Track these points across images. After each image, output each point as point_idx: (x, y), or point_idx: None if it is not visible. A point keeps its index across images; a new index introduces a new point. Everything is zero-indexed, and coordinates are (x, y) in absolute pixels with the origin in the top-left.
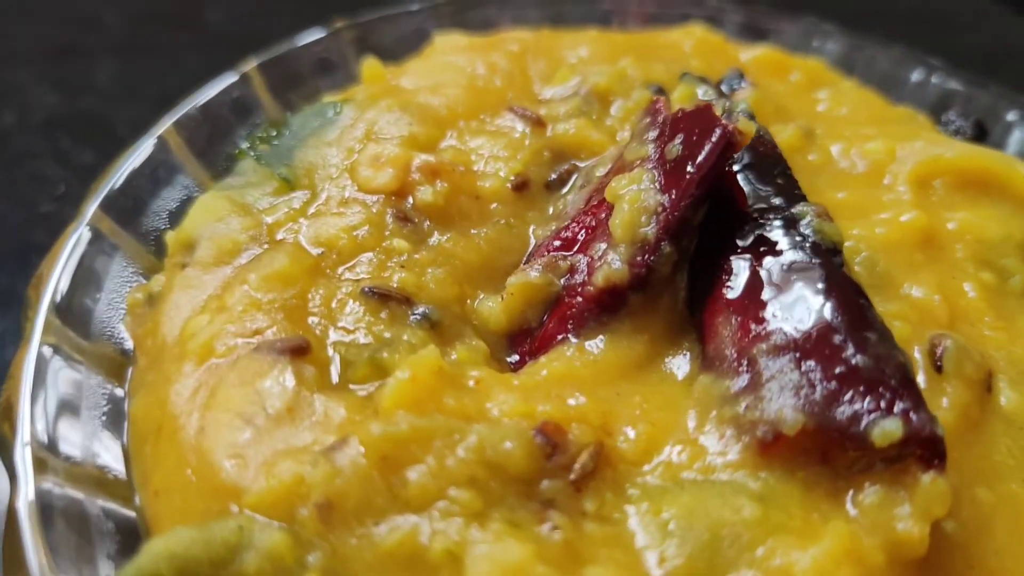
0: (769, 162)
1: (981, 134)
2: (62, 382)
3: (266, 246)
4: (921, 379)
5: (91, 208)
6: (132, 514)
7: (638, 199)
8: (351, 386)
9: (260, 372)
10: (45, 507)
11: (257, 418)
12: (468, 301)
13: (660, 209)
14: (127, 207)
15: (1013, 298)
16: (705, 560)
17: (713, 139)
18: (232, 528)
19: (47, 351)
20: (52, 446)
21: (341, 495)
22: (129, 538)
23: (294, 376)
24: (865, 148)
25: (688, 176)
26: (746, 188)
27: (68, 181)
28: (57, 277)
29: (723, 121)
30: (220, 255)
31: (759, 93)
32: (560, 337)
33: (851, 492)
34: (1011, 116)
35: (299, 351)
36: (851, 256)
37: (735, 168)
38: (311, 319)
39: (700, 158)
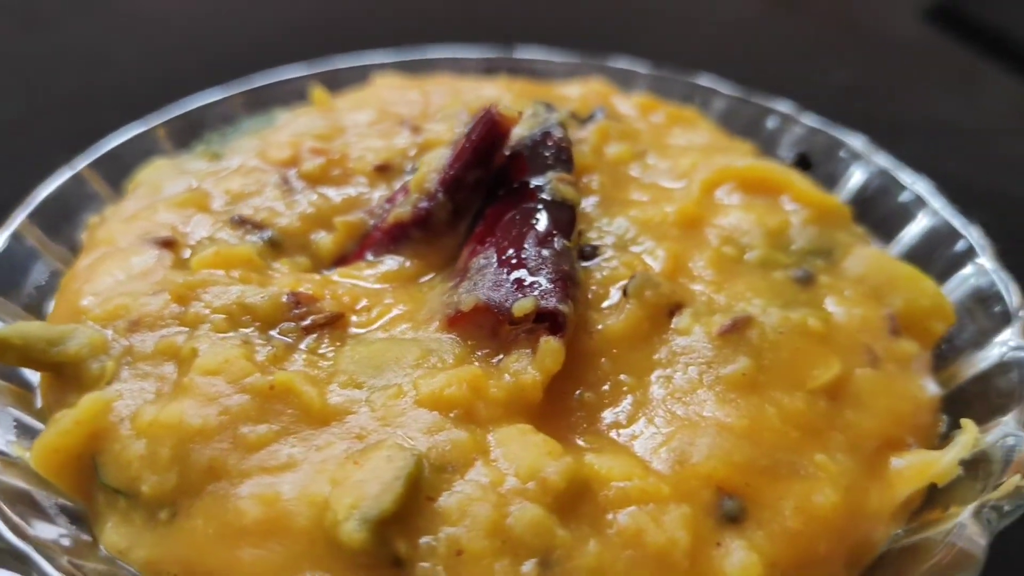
0: (554, 152)
1: (804, 165)
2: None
3: (181, 189)
4: (615, 299)
5: (84, 161)
6: None
7: (431, 164)
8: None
9: (135, 252)
10: None
11: (119, 276)
12: (311, 236)
13: (442, 170)
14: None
15: (744, 267)
16: (366, 375)
17: (483, 121)
18: (69, 327)
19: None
20: None
21: (145, 315)
22: None
23: (156, 257)
24: (678, 163)
25: (463, 146)
26: (531, 167)
27: None
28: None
29: (491, 109)
30: (149, 191)
31: (610, 122)
32: (363, 256)
33: (501, 356)
34: (843, 154)
35: (166, 243)
36: (610, 226)
37: (525, 155)
38: (189, 233)
39: (473, 134)
